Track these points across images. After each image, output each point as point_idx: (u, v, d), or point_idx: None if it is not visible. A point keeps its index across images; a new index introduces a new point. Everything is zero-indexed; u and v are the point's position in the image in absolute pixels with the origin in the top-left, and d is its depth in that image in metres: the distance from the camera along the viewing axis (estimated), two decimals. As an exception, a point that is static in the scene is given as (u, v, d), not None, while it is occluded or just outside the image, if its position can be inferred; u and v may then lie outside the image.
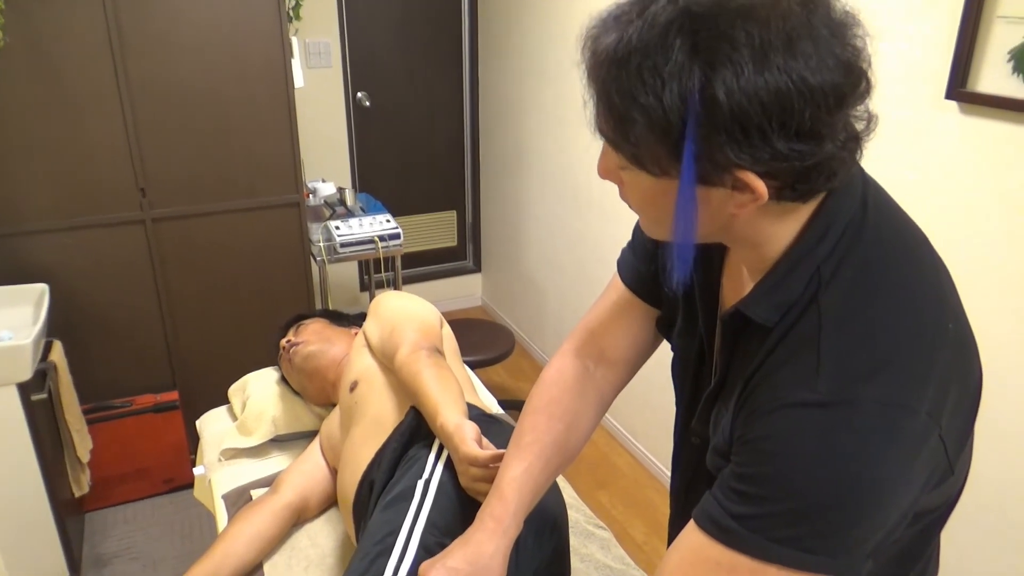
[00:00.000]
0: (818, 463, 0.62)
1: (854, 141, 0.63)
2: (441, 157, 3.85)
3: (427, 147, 3.78)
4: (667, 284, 0.68)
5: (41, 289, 2.20)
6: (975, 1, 1.41)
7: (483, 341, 2.86)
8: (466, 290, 4.15)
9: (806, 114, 0.58)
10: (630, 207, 0.74)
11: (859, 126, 0.63)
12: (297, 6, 2.50)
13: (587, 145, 2.78)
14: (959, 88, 1.48)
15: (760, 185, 0.60)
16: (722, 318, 0.78)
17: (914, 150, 1.60)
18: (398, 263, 2.94)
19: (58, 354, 2.24)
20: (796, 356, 0.67)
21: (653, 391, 2.62)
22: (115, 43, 2.21)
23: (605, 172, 0.72)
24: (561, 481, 1.66)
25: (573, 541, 1.47)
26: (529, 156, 3.35)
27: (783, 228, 0.68)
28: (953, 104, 1.51)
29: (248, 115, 2.46)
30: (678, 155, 0.60)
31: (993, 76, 1.43)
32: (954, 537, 1.54)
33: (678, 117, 0.58)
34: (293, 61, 2.47)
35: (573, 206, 3.03)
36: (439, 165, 3.86)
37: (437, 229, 4.00)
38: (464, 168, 3.92)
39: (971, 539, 1.64)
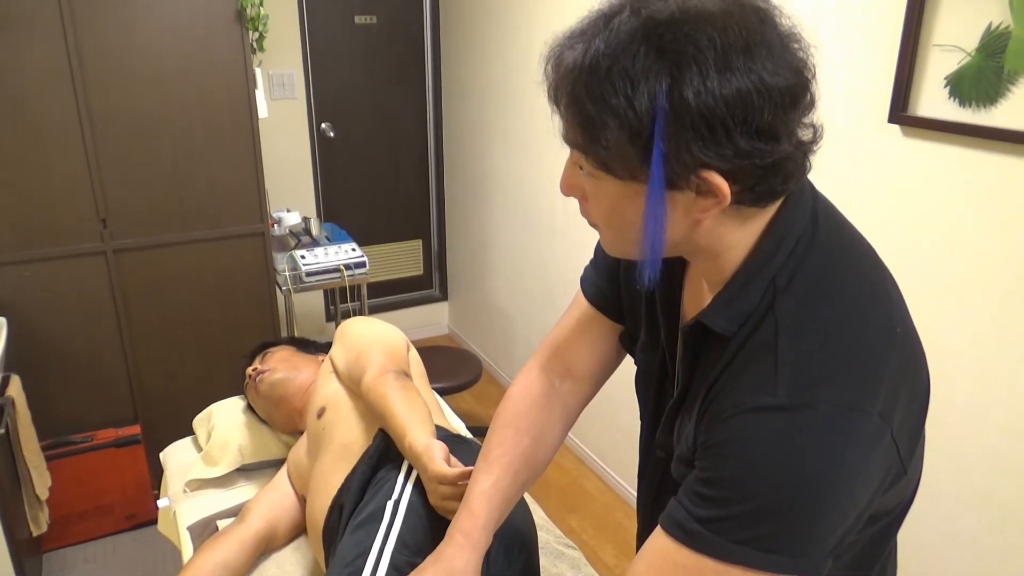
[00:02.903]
0: (777, 464, 0.65)
1: (805, 146, 0.68)
2: (406, 187, 3.87)
3: (392, 177, 3.81)
4: (638, 283, 0.70)
5: (-1, 323, 2.16)
6: (912, 31, 1.50)
7: (450, 368, 2.86)
8: (433, 318, 4.16)
9: (765, 112, 0.62)
10: (591, 222, 0.76)
11: (808, 134, 0.67)
12: (261, 38, 2.51)
13: (551, 171, 2.84)
14: (900, 112, 1.55)
15: (724, 186, 0.64)
16: (683, 330, 0.81)
17: (860, 171, 1.68)
18: (364, 292, 2.94)
19: (16, 389, 2.19)
20: (755, 363, 0.69)
21: (622, 413, 2.65)
22: (76, 73, 2.21)
23: (568, 188, 0.74)
24: (531, 503, 1.66)
25: (544, 561, 1.47)
26: (493, 184, 3.39)
27: (742, 237, 0.71)
28: (896, 127, 1.59)
29: (212, 145, 2.46)
30: (647, 156, 0.63)
31: (931, 101, 1.51)
32: (911, 541, 1.58)
33: (648, 117, 0.61)
34: (257, 92, 2.49)
35: (537, 232, 3.07)
36: (404, 195, 3.88)
37: (403, 258, 4.01)
38: (429, 197, 3.95)
39: (926, 543, 1.68)
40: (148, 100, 2.33)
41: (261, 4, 2.37)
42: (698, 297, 0.82)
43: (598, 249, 1.00)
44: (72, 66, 2.20)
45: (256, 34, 2.47)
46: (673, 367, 0.86)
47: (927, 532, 1.68)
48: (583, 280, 1.02)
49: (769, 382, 0.67)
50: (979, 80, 1.42)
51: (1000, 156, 1.42)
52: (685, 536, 0.69)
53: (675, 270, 0.84)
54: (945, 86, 1.48)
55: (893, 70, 1.55)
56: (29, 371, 2.33)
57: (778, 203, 0.71)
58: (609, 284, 0.96)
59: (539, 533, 1.44)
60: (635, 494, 2.68)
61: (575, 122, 0.66)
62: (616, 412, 2.65)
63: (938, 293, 1.57)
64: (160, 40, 2.30)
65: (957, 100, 1.46)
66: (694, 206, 0.67)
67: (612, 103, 0.62)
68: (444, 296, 4.15)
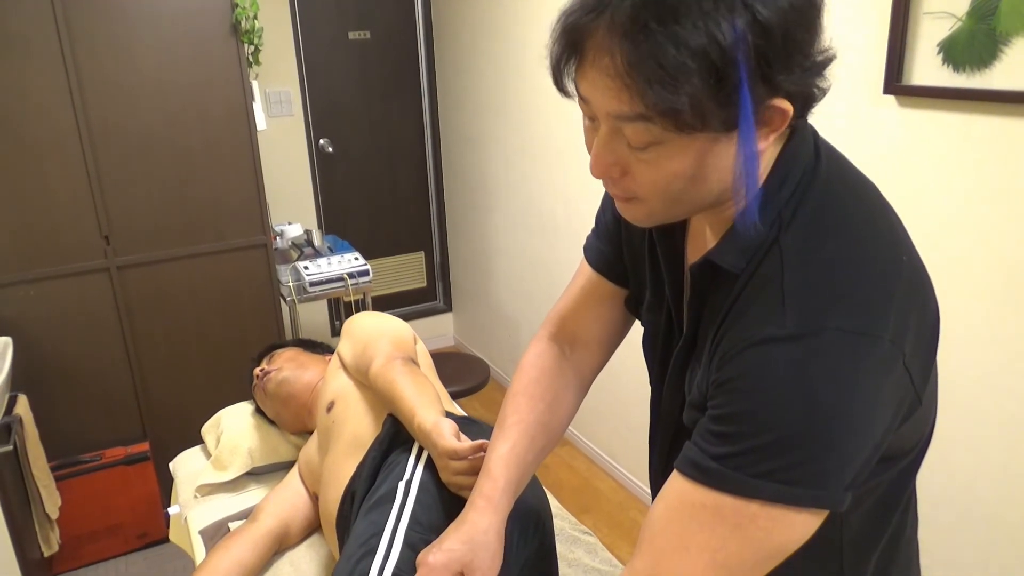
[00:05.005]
0: (790, 393, 0.64)
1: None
2: (406, 199, 3.89)
3: (392, 190, 3.83)
4: (748, 221, 0.68)
5: (4, 342, 2.16)
6: (902, 1, 1.50)
7: (458, 372, 2.85)
8: (438, 330, 4.15)
9: (816, 25, 0.65)
10: (631, 196, 0.71)
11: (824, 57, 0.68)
12: (256, 51, 2.54)
13: (549, 175, 2.85)
14: (895, 83, 1.56)
15: (789, 108, 0.64)
16: (691, 270, 0.80)
17: (858, 146, 1.68)
18: (369, 304, 2.94)
19: (24, 408, 2.18)
20: (761, 295, 0.69)
21: (631, 411, 2.63)
22: (75, 92, 2.23)
23: (607, 167, 0.69)
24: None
25: (560, 547, 1.46)
26: (493, 190, 3.40)
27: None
28: (891, 98, 1.59)
29: (212, 159, 2.47)
30: (726, 99, 0.60)
31: (925, 69, 1.51)
32: (928, 515, 1.56)
33: (731, 53, 0.58)
34: (255, 104, 2.51)
35: (539, 234, 3.07)
36: (405, 207, 3.90)
37: (406, 271, 4.02)
38: (429, 209, 3.96)
39: (943, 517, 1.66)
40: (147, 116, 2.35)
41: (255, 17, 2.39)
42: (701, 244, 0.81)
43: (599, 215, 0.99)
44: (71, 85, 2.22)
45: (251, 47, 2.49)
46: (680, 320, 0.86)
47: (944, 508, 1.66)
48: (586, 248, 1.01)
49: (777, 313, 0.66)
50: (972, 44, 1.42)
51: (998, 118, 1.42)
52: (701, 475, 0.67)
53: (676, 226, 0.84)
54: (938, 53, 1.48)
55: (885, 41, 1.56)
56: (36, 391, 2.33)
57: (784, 139, 0.72)
58: (612, 248, 0.96)
59: (554, 521, 1.43)
60: (648, 491, 2.65)
61: (649, 77, 0.59)
62: (626, 410, 2.64)
63: (945, 263, 1.56)
64: (157, 56, 2.32)
65: (951, 66, 1.46)
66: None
67: (692, 46, 0.58)
68: (448, 307, 4.15)
